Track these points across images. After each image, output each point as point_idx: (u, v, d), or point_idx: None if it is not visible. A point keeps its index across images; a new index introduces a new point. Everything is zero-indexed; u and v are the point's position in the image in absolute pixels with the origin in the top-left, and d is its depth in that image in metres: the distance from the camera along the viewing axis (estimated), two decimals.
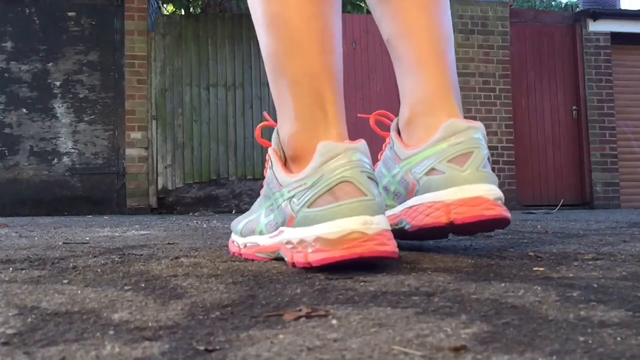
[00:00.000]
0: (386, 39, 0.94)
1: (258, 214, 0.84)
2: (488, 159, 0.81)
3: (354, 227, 0.65)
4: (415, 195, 0.84)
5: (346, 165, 0.68)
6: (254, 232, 0.82)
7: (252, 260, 0.81)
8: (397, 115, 0.95)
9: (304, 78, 0.75)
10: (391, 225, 0.88)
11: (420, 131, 0.87)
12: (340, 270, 0.67)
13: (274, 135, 0.82)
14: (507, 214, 0.77)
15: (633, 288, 0.56)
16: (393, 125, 0.94)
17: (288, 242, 0.73)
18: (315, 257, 0.67)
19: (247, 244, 0.83)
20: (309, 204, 0.70)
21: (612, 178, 6.29)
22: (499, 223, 0.78)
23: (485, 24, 6.11)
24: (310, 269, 0.69)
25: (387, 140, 0.93)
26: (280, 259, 0.77)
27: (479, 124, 0.83)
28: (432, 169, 0.81)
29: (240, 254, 0.84)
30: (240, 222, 0.87)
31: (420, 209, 0.82)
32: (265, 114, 0.94)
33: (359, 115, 1.02)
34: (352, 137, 0.76)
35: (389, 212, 0.90)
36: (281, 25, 0.77)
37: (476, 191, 0.76)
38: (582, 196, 6.26)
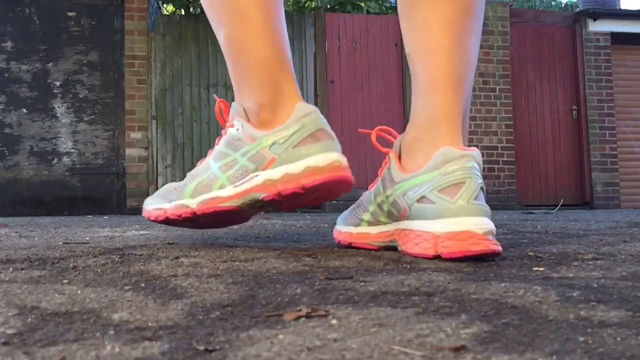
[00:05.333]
0: (407, 53, 0.92)
1: (209, 174, 0.92)
2: (482, 188, 0.79)
3: (335, 157, 0.86)
4: (407, 220, 0.84)
5: (317, 118, 0.89)
6: (211, 189, 0.91)
7: (213, 212, 0.89)
8: (397, 129, 0.93)
9: (262, 68, 0.92)
10: (385, 241, 0.90)
11: (419, 156, 0.85)
12: (341, 272, 0.67)
13: (235, 107, 0.94)
14: (495, 247, 0.76)
15: (633, 288, 0.56)
16: (395, 145, 0.92)
17: (267, 180, 0.87)
18: (309, 180, 0.84)
19: (203, 200, 0.90)
20: (293, 146, 0.87)
21: (612, 178, 6.29)
22: (488, 256, 0.78)
23: (485, 24, 6.11)
24: (301, 195, 0.86)
25: (387, 158, 0.91)
26: (252, 202, 0.88)
27: (475, 152, 0.81)
28: (423, 197, 0.81)
29: (180, 215, 0.91)
30: (185, 189, 0.93)
31: (410, 236, 0.82)
32: (214, 96, 1.09)
33: (360, 130, 1.01)
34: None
35: (382, 228, 0.90)
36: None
37: (465, 225, 0.76)
38: (582, 196, 6.26)
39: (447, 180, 0.79)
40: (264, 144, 0.89)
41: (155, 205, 0.97)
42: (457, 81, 0.86)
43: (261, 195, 0.87)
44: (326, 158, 0.86)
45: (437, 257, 0.77)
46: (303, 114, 0.88)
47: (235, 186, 0.89)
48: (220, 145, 0.95)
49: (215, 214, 0.90)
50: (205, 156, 0.99)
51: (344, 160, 0.87)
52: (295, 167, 0.86)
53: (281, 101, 0.91)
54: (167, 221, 0.95)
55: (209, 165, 0.94)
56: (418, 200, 0.81)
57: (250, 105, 0.92)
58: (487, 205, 0.79)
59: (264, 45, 0.92)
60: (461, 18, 0.86)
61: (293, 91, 0.92)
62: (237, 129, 0.93)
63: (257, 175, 0.88)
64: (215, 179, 0.92)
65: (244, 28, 0.92)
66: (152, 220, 0.97)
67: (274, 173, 0.87)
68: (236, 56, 0.94)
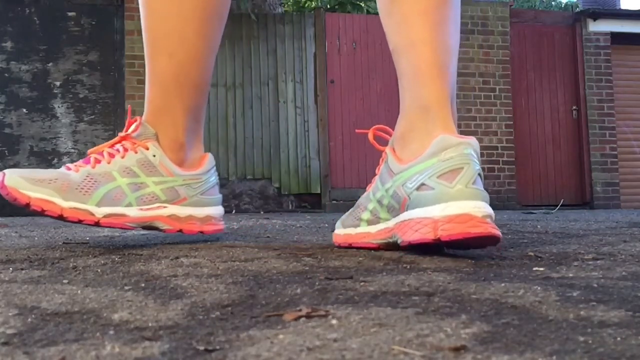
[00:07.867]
0: (391, 49, 0.94)
1: (115, 187, 0.97)
2: (479, 175, 0.80)
3: (223, 211, 1.08)
4: (407, 210, 0.84)
5: (216, 172, 1.08)
6: (118, 204, 0.96)
7: (118, 227, 0.97)
8: (394, 128, 0.94)
9: (193, 111, 1.05)
10: (384, 238, 0.89)
11: (414, 145, 0.86)
12: (341, 272, 0.67)
13: (148, 130, 1.01)
14: (494, 231, 0.76)
15: (633, 288, 0.56)
16: (390, 142, 0.93)
17: (173, 215, 1.00)
18: (208, 228, 1.04)
19: (111, 214, 0.95)
20: (202, 193, 1.04)
21: (612, 178, 6.29)
22: (488, 240, 0.78)
23: (485, 24, 6.11)
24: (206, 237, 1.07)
25: (383, 155, 0.92)
26: (152, 227, 1.00)
27: (472, 140, 0.82)
28: (422, 184, 0.81)
29: (98, 223, 0.95)
30: (90, 195, 0.95)
31: (410, 225, 0.82)
32: (129, 106, 1.19)
33: (357, 130, 1.03)
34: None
35: (382, 226, 0.90)
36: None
37: (464, 208, 0.76)
38: (582, 196, 6.26)
39: (445, 166, 0.79)
40: (179, 182, 1.01)
41: (39, 195, 0.92)
42: (441, 69, 0.88)
43: (164, 226, 1.00)
44: (219, 210, 1.07)
45: (437, 241, 0.76)
46: (211, 166, 1.06)
47: (141, 209, 0.98)
48: (128, 160, 0.99)
49: (118, 228, 0.99)
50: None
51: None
52: (199, 213, 1.03)
53: (194, 145, 1.06)
54: (60, 218, 0.93)
55: (113, 176, 0.97)
56: (417, 189, 0.81)
57: (168, 139, 1.02)
58: (485, 191, 0.79)
59: (207, 85, 1.05)
60: (439, 8, 0.89)
61: (201, 138, 1.08)
62: (154, 156, 1.00)
63: (165, 207, 1.00)
64: (123, 196, 0.97)
65: (196, 64, 1.03)
66: (25, 206, 0.91)
67: (181, 211, 1.01)
68: (181, 88, 1.03)
